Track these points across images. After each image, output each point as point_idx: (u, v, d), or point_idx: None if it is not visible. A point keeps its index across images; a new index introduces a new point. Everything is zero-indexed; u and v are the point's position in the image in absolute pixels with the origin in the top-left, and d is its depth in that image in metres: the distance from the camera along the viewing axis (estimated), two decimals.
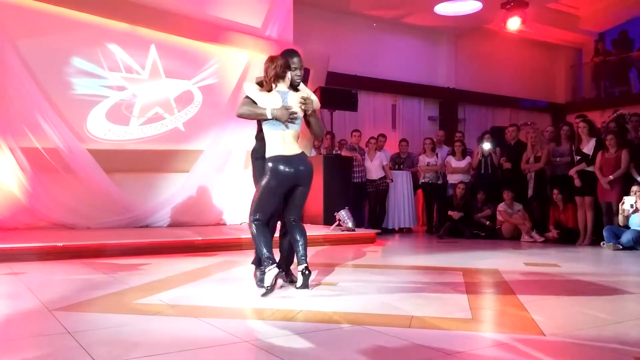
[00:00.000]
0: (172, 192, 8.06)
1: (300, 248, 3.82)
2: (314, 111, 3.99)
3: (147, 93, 8.01)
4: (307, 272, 3.77)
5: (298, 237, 3.85)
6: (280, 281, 3.95)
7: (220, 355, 2.43)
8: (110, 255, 5.55)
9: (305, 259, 3.80)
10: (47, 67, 7.34)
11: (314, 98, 4.00)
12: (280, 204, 3.91)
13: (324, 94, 8.25)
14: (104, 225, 7.36)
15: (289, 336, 2.66)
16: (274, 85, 3.81)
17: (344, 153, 8.97)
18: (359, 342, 2.59)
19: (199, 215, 8.17)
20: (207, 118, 8.38)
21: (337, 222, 7.31)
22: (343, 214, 7.23)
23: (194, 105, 8.37)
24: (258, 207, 3.84)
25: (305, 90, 3.99)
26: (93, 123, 7.67)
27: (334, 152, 8.91)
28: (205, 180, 8.23)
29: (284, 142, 3.77)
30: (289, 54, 3.99)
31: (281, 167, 3.75)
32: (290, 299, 3.56)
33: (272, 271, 3.64)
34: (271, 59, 3.84)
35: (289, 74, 3.85)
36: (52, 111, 7.27)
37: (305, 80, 4.21)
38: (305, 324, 2.88)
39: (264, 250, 3.73)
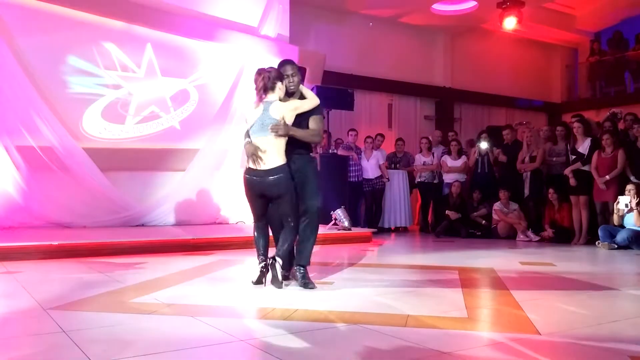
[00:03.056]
0: (168, 191, 8.04)
1: (279, 243, 3.98)
2: (314, 126, 4.10)
3: (143, 91, 7.99)
4: (272, 261, 3.90)
5: (282, 236, 4.00)
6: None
7: (217, 355, 2.43)
8: (106, 254, 5.53)
9: (278, 253, 3.91)
10: (42, 65, 7.31)
11: (307, 104, 4.07)
12: (264, 210, 4.10)
13: (320, 93, 8.24)
14: (100, 224, 7.34)
15: (285, 335, 2.66)
16: (263, 96, 3.98)
17: (340, 152, 8.98)
18: (355, 341, 2.59)
19: (195, 214, 8.16)
20: (203, 117, 8.36)
21: (333, 221, 7.31)
22: (339, 213, 7.23)
23: (190, 103, 8.35)
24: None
25: (292, 102, 4.03)
26: (89, 121, 7.65)
27: (330, 151, 8.91)
28: (201, 179, 8.21)
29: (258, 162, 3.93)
30: (281, 64, 4.17)
31: (246, 176, 4.01)
32: (286, 298, 3.56)
33: (258, 268, 3.95)
34: (258, 72, 4.00)
35: (279, 84, 3.99)
36: (48, 110, 7.24)
37: (301, 79, 4.27)
38: (301, 323, 2.88)
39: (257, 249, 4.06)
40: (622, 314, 3.32)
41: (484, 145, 8.67)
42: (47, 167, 7.19)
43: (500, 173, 8.65)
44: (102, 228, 7.16)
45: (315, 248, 4.30)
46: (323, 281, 4.13)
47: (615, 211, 6.70)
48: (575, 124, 7.54)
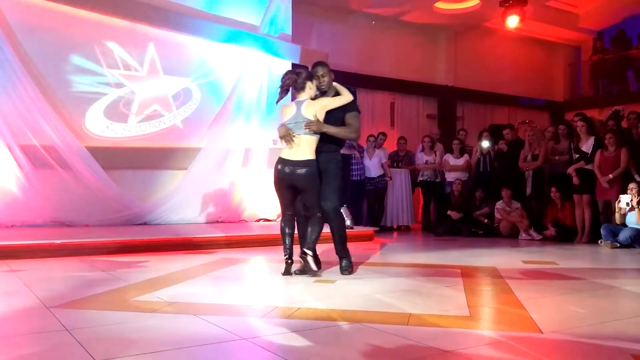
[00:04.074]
0: (170, 189, 8.06)
1: (308, 235, 4.19)
2: (345, 122, 4.31)
3: (146, 90, 8.00)
4: (302, 255, 4.09)
5: (309, 226, 4.21)
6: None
7: (219, 353, 2.43)
8: (108, 253, 5.55)
9: (309, 245, 4.14)
10: (45, 64, 7.33)
11: (338, 101, 4.27)
12: (291, 200, 4.30)
13: None
14: (102, 222, 7.36)
15: (287, 334, 2.66)
16: (284, 95, 4.25)
17: (343, 151, 8.93)
18: (356, 339, 2.59)
19: (197, 213, 8.18)
20: (205, 115, 8.38)
21: None
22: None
23: (192, 102, 8.36)
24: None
25: (322, 100, 4.26)
26: (91, 120, 7.67)
27: None
28: (203, 177, 8.22)
29: (292, 146, 4.13)
30: (313, 65, 4.42)
31: (278, 167, 4.19)
32: (288, 296, 3.57)
33: (286, 262, 4.21)
34: (286, 72, 4.29)
35: (309, 84, 4.22)
36: (50, 108, 7.27)
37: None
38: (303, 322, 2.88)
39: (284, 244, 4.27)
40: (624, 312, 3.32)
41: (485, 144, 8.65)
42: (50, 166, 7.22)
43: (501, 169, 8.62)
44: (104, 226, 7.18)
45: (317, 247, 4.33)
46: (325, 279, 4.13)
47: (616, 210, 6.70)
48: (579, 123, 7.51)
